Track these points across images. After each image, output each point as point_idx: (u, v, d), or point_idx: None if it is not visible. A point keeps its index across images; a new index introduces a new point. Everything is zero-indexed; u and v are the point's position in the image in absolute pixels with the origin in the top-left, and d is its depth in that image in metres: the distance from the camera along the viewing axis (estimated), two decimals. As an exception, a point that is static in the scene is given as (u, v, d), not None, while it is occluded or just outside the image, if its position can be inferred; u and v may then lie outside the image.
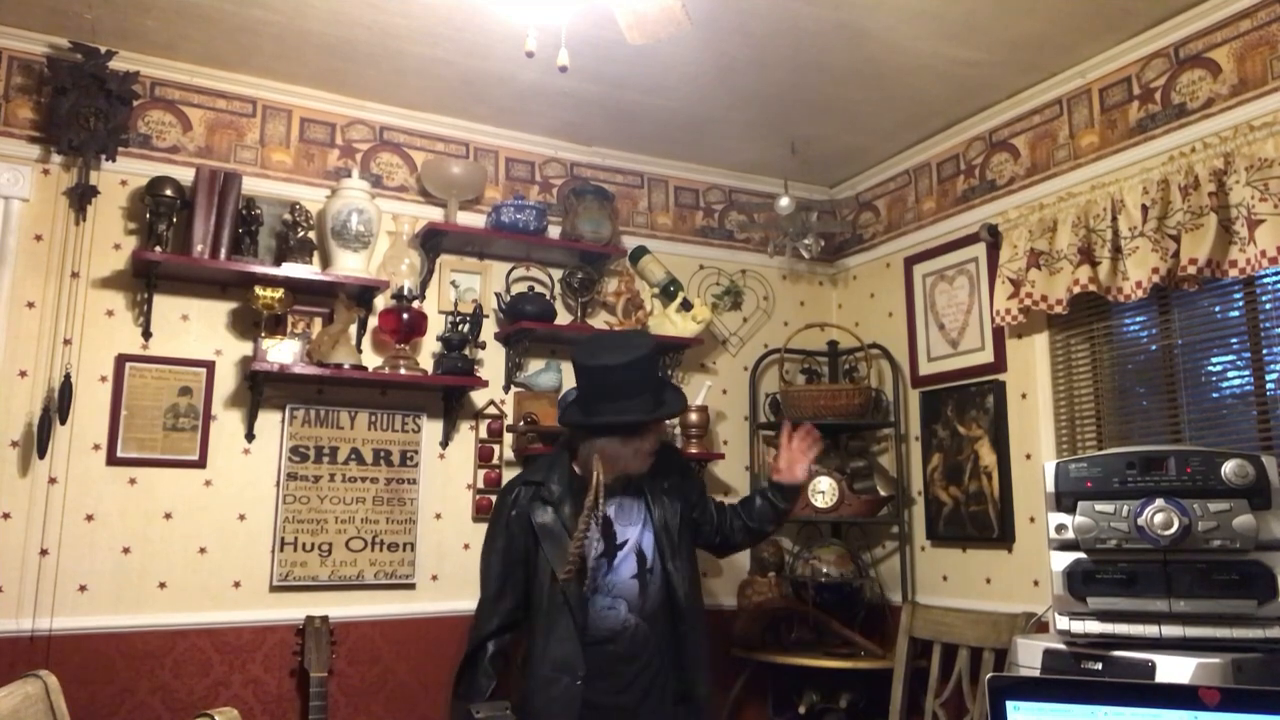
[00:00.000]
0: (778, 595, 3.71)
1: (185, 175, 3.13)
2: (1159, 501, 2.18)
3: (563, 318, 3.65)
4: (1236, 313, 2.81)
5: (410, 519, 3.37)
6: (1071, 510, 2.31)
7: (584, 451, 2.59)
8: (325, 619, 3.11)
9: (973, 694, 3.15)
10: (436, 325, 3.47)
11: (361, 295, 3.34)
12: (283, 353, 3.12)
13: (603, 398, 2.53)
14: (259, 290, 3.11)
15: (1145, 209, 2.79)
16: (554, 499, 2.57)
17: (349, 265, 3.27)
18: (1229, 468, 2.18)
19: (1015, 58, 3.11)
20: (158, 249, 3.02)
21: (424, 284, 3.50)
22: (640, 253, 3.87)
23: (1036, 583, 3.18)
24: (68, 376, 2.93)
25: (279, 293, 3.14)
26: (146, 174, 3.11)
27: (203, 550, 3.10)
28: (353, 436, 3.33)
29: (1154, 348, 3.02)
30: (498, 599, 2.59)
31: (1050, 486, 2.36)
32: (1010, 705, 1.23)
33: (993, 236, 3.36)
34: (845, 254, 4.26)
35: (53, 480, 2.94)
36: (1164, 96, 2.92)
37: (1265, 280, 2.70)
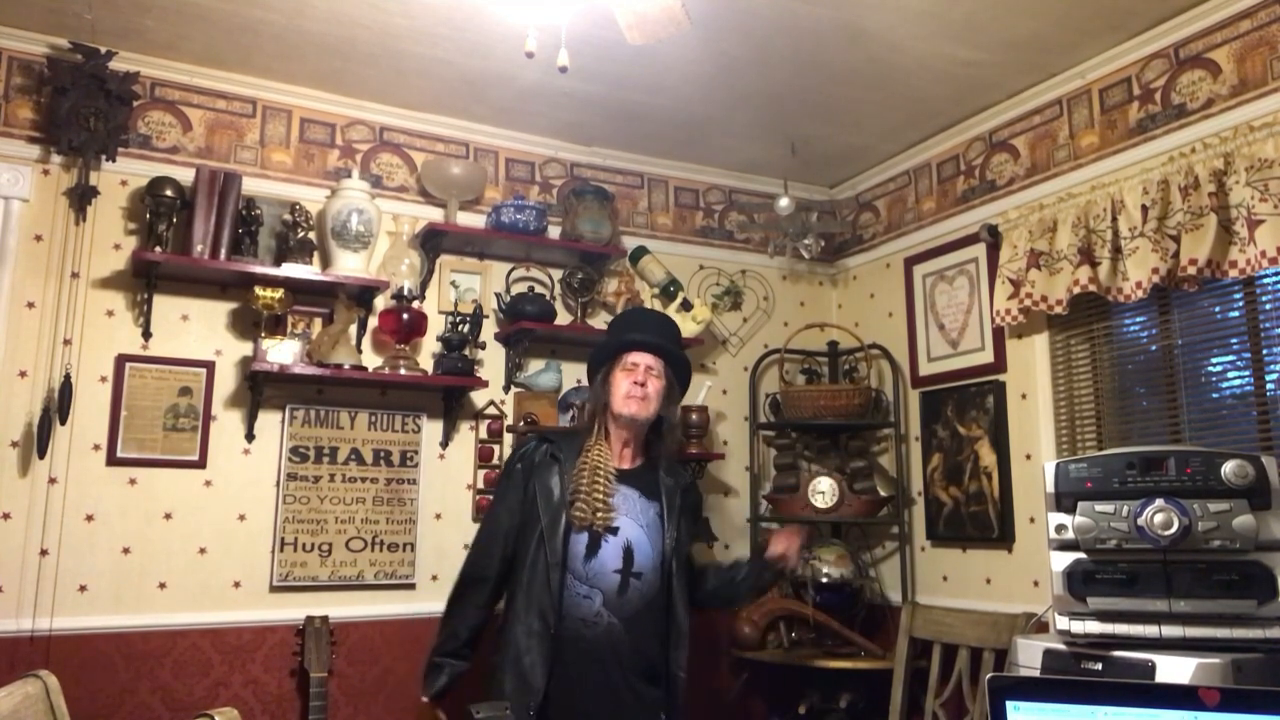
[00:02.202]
0: (778, 595, 3.71)
1: (185, 175, 3.13)
2: (1159, 501, 2.18)
3: (563, 318, 3.65)
4: (1236, 313, 2.81)
5: (410, 519, 3.37)
6: (1071, 510, 2.31)
7: (589, 404, 2.81)
8: (325, 619, 3.11)
9: (973, 694, 3.15)
10: (436, 325, 3.47)
11: (361, 295, 3.34)
12: (283, 353, 3.12)
13: (624, 328, 2.72)
14: (259, 290, 3.11)
15: (1145, 209, 2.79)
16: (562, 458, 2.61)
17: (349, 265, 3.27)
18: (1229, 468, 2.18)
19: (1015, 58, 3.11)
20: (158, 249, 3.02)
21: (424, 284, 3.50)
22: (640, 253, 3.87)
23: (1036, 583, 3.17)
24: (68, 377, 2.93)
25: (279, 293, 3.14)
26: (146, 174, 3.11)
27: (203, 550, 3.10)
28: (353, 437, 3.33)
29: (1154, 348, 3.02)
30: (493, 543, 2.63)
31: (1050, 487, 2.36)
32: (1010, 705, 1.23)
33: (993, 237, 3.36)
34: (845, 254, 4.27)
35: (53, 480, 2.94)
36: (1164, 97, 2.92)
37: (1265, 280, 2.70)
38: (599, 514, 2.51)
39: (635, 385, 2.60)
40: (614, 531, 2.54)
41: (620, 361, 2.65)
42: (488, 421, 3.56)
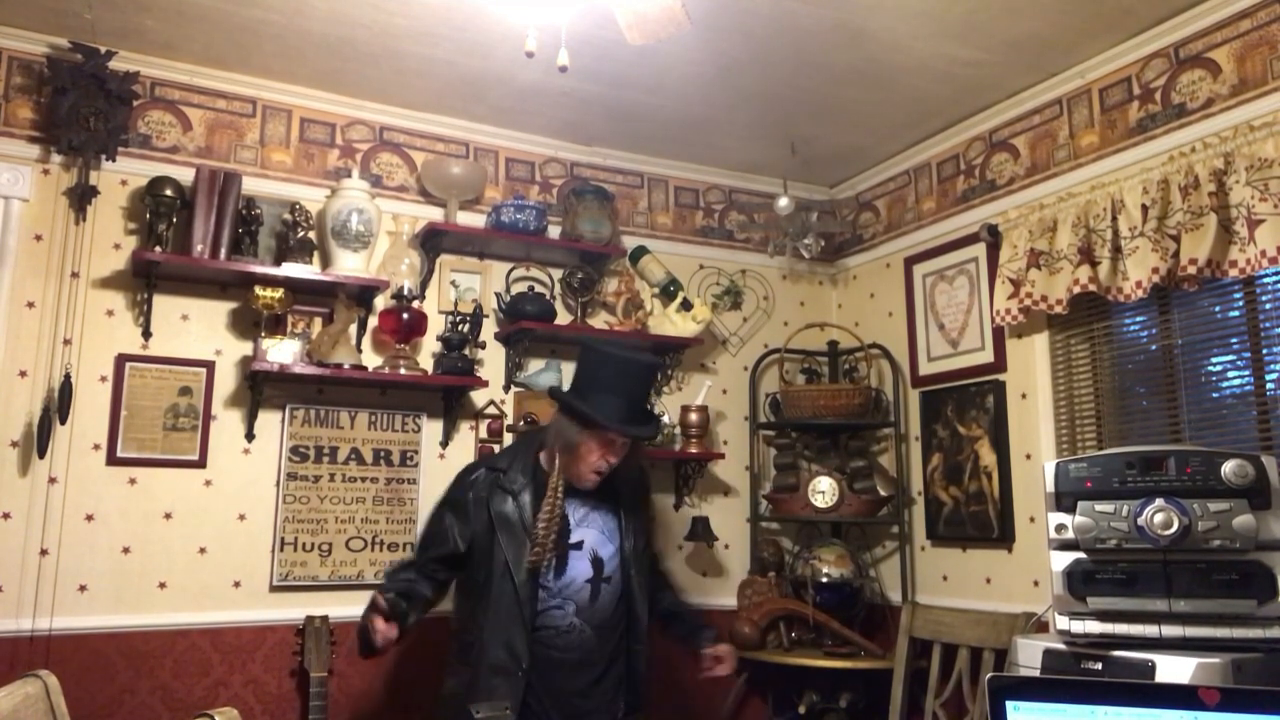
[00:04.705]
0: (778, 595, 3.71)
1: (185, 175, 3.13)
2: (1159, 501, 2.18)
3: (563, 318, 3.65)
4: (1236, 313, 2.81)
5: (410, 519, 3.37)
6: (1071, 510, 2.31)
7: (548, 440, 2.64)
8: (325, 619, 3.11)
9: (973, 694, 3.15)
10: (436, 325, 3.47)
11: (361, 295, 3.34)
12: (283, 353, 3.12)
13: (602, 389, 2.53)
14: (259, 290, 3.11)
15: (1145, 209, 2.79)
16: (514, 489, 2.60)
17: (349, 265, 3.27)
18: (1229, 468, 2.18)
19: (1015, 58, 3.11)
20: (158, 249, 3.02)
21: (424, 284, 3.50)
22: (640, 253, 3.87)
23: (1036, 583, 3.17)
24: (68, 376, 2.93)
25: (279, 293, 3.14)
26: (146, 174, 3.11)
27: (203, 550, 3.10)
28: (353, 436, 3.33)
29: (1154, 348, 3.02)
30: (427, 548, 2.68)
31: (1050, 486, 2.36)
32: (1010, 705, 1.24)
33: (993, 236, 3.36)
34: (845, 254, 4.26)
35: (53, 480, 2.94)
36: (1164, 96, 2.92)
37: (1265, 280, 2.70)
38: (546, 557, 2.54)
39: (604, 462, 2.56)
40: (578, 546, 2.61)
41: (601, 434, 2.54)
42: (488, 421, 3.56)
